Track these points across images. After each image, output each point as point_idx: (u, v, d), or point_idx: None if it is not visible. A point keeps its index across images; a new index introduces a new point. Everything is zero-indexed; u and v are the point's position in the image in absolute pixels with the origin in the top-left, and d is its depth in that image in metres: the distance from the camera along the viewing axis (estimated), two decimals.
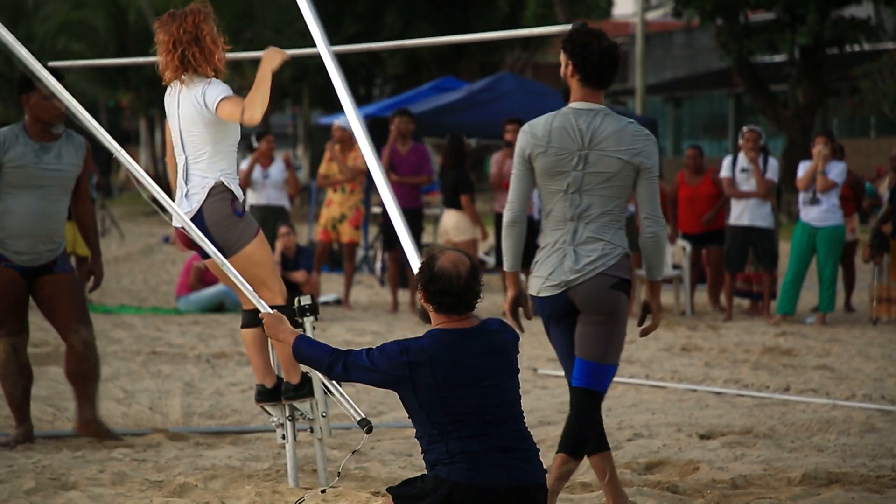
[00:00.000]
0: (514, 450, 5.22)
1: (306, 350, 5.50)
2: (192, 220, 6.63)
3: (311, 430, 6.88)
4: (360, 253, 20.44)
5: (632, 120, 6.12)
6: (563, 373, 10.94)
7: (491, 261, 19.76)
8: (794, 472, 7.10)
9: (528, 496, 5.22)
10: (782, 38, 32.28)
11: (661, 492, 6.75)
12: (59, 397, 9.66)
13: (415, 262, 6.32)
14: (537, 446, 5.33)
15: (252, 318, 6.88)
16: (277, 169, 16.23)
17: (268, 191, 16.11)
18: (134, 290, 18.37)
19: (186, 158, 6.72)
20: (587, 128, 5.99)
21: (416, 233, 15.84)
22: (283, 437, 6.93)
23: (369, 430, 6.08)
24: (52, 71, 8.08)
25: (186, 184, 6.71)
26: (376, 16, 43.26)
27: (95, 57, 28.58)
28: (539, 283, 6.06)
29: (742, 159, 14.71)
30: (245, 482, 6.92)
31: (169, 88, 6.80)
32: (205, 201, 6.63)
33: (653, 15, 46.72)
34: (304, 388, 6.83)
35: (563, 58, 6.09)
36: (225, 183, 6.66)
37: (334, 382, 6.47)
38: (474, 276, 5.26)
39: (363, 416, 6.18)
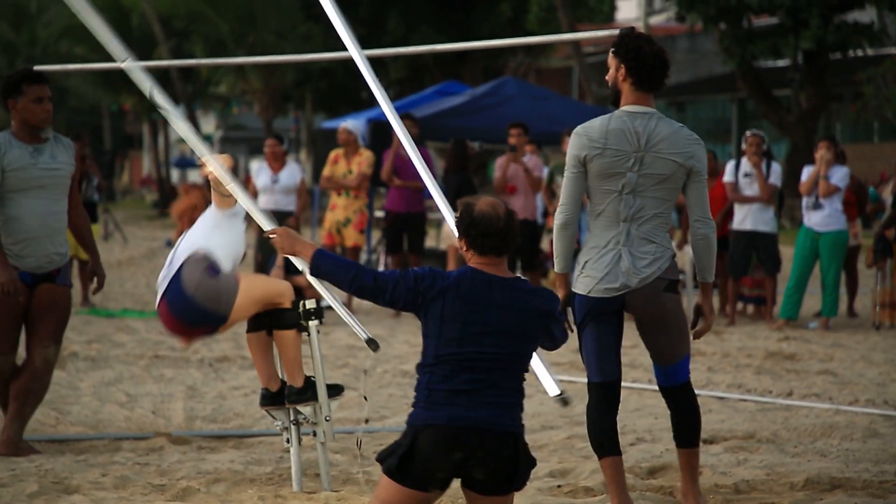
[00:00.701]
0: (479, 394, 5.25)
1: (328, 264, 5.52)
2: (169, 285, 6.69)
3: (314, 434, 6.88)
4: (364, 257, 20.45)
5: (682, 124, 6.27)
6: (565, 377, 10.98)
7: None
8: (796, 478, 7.09)
9: (488, 439, 5.23)
10: (785, 43, 32.27)
11: (664, 496, 6.75)
12: (61, 401, 9.66)
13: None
14: (533, 445, 5.38)
15: (257, 323, 6.89)
16: (287, 173, 15.98)
17: (276, 196, 15.92)
18: (137, 293, 18.38)
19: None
20: (643, 130, 6.15)
21: (419, 237, 15.83)
22: (288, 441, 6.94)
23: (376, 349, 6.15)
24: (37, 73, 8.04)
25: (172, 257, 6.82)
26: (379, 20, 43.27)
27: (99, 61, 28.63)
28: (591, 284, 6.18)
29: (745, 164, 14.72)
30: (248, 486, 6.93)
31: None
32: (181, 266, 6.67)
33: (656, 19, 46.71)
34: (307, 392, 6.85)
35: (613, 62, 6.22)
36: (204, 252, 6.68)
37: (340, 303, 6.46)
38: (512, 217, 5.37)
39: (369, 335, 6.20)
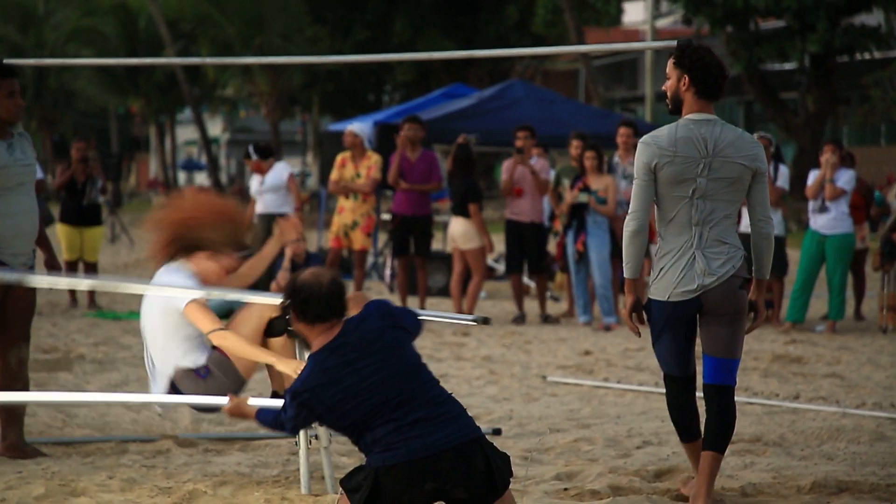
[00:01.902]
0: (426, 420, 5.32)
1: (265, 420, 5.86)
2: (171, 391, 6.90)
3: (317, 437, 6.90)
4: (370, 259, 20.46)
5: (742, 129, 6.54)
6: (571, 380, 11.01)
7: (500, 268, 19.77)
8: (803, 481, 7.09)
9: (457, 456, 5.29)
10: (792, 46, 32.26)
11: (671, 500, 6.74)
12: (68, 403, 9.66)
13: None
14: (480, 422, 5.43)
15: (275, 327, 6.92)
16: (273, 174, 15.91)
17: (265, 198, 15.91)
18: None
19: (145, 343, 7.08)
20: (710, 136, 6.41)
21: (425, 240, 15.84)
22: (297, 444, 6.95)
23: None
24: (8, 67, 7.87)
25: (153, 367, 7.01)
26: (385, 22, 43.31)
27: (105, 66, 28.65)
28: (669, 289, 6.43)
29: None
30: (254, 488, 6.93)
31: None
32: (173, 386, 6.92)
33: (663, 22, 46.69)
34: None
35: (674, 72, 6.50)
36: (182, 367, 6.87)
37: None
38: (336, 282, 5.51)
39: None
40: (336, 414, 5.42)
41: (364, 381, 5.38)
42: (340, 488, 5.53)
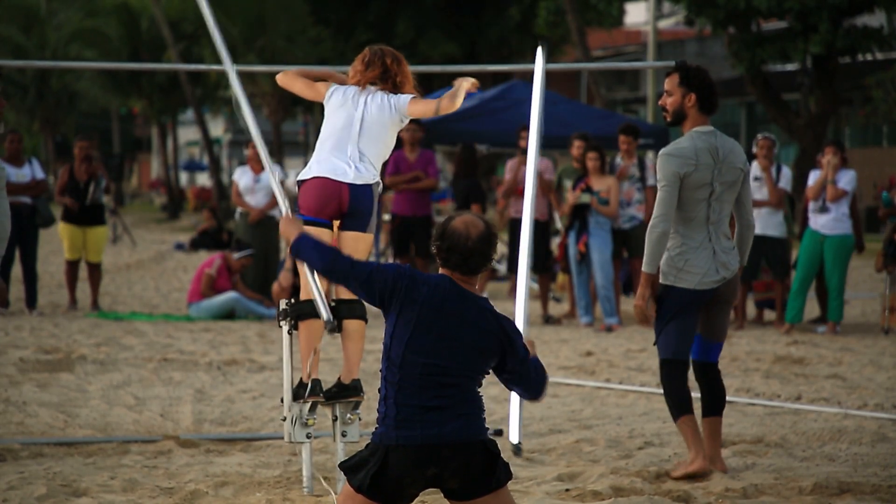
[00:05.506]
0: (449, 410, 5.31)
1: (308, 246, 5.62)
2: (357, 189, 7.12)
3: (344, 435, 6.96)
4: (371, 260, 20.45)
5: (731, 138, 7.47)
6: (573, 381, 11.02)
7: (503, 269, 19.76)
8: (805, 482, 7.09)
9: (460, 452, 5.30)
10: (794, 47, 32.20)
11: (673, 501, 6.75)
12: (70, 404, 9.68)
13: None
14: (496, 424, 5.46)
15: (312, 309, 6.86)
16: (268, 175, 15.86)
17: (258, 196, 15.91)
18: (145, 297, 18.40)
19: (359, 145, 7.25)
20: (718, 146, 7.35)
21: (426, 240, 15.84)
22: (308, 439, 6.95)
23: (332, 331, 6.50)
24: None
25: (360, 161, 7.18)
26: (388, 23, 43.29)
27: (108, 67, 28.67)
28: (696, 279, 7.29)
29: (755, 167, 14.71)
30: (256, 489, 6.94)
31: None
32: (372, 184, 7.17)
33: (665, 23, 46.67)
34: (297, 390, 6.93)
35: (678, 90, 7.37)
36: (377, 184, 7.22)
37: (315, 278, 6.76)
38: (485, 241, 5.38)
39: (330, 318, 6.60)
40: (410, 333, 5.29)
41: (452, 342, 5.30)
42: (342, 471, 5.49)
